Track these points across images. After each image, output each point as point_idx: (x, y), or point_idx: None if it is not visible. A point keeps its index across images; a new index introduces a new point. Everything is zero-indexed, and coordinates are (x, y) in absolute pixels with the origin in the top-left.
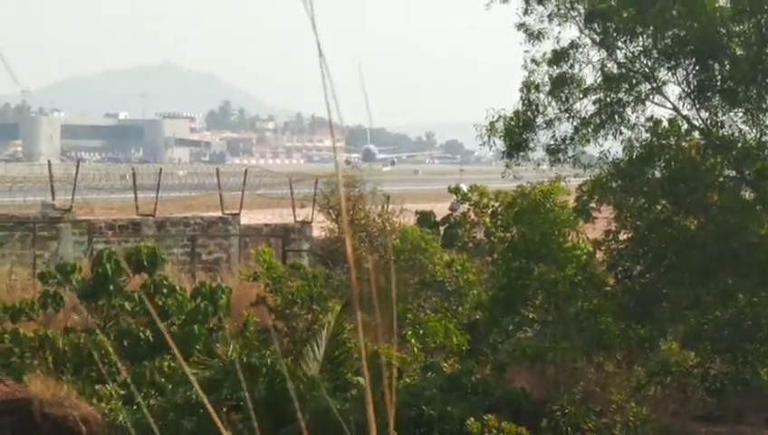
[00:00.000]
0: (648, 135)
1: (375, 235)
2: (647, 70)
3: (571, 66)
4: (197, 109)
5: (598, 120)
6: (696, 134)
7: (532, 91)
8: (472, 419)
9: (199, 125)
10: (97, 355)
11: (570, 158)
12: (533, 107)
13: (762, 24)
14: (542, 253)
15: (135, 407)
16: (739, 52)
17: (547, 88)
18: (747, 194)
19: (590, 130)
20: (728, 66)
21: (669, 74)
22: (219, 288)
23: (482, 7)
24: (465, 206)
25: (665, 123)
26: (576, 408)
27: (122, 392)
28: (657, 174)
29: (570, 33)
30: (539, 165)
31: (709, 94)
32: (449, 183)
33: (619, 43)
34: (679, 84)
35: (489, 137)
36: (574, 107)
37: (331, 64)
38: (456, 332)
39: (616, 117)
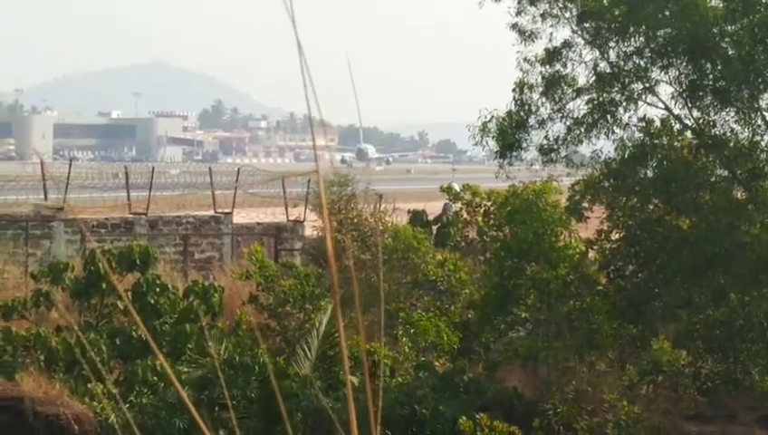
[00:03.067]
0: (640, 135)
1: (367, 234)
2: (639, 69)
3: (564, 65)
4: (190, 108)
5: (590, 120)
6: (689, 134)
7: (525, 91)
8: (464, 418)
9: (192, 124)
10: (89, 354)
11: (562, 158)
12: (526, 107)
13: (754, 24)
14: (534, 252)
15: (127, 406)
16: (731, 51)
17: (540, 88)
18: (739, 193)
19: (582, 129)
20: (720, 66)
21: (662, 74)
22: (212, 287)
23: (475, 8)
24: (458, 205)
25: (657, 123)
26: (568, 407)
27: (114, 391)
28: (650, 174)
29: (562, 33)
30: (531, 165)
31: (701, 94)
32: (442, 182)
33: (612, 43)
34: (671, 84)
35: (482, 137)
36: (567, 107)
37: (325, 64)
38: (447, 331)
39: (608, 117)
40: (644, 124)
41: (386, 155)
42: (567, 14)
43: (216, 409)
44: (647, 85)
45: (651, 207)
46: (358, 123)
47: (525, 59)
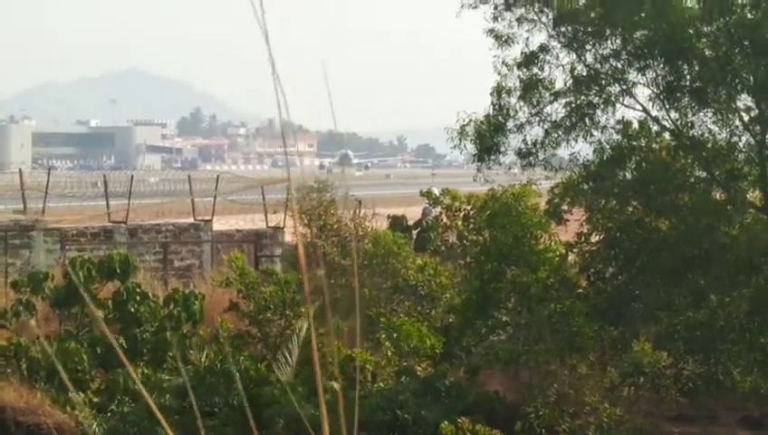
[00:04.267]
0: (618, 137)
1: (347, 240)
2: (616, 72)
3: (541, 69)
4: (169, 115)
5: (568, 123)
6: (667, 135)
7: (503, 95)
8: (446, 422)
9: (171, 132)
10: (70, 363)
11: (541, 161)
12: (504, 111)
13: (730, 25)
14: (514, 256)
15: (109, 414)
16: (708, 52)
17: (518, 92)
18: (718, 195)
19: (560, 132)
20: (697, 67)
21: (639, 76)
22: (192, 295)
23: (453, 13)
24: (438, 209)
25: (635, 125)
26: (550, 410)
27: (96, 400)
28: (628, 176)
29: (539, 37)
30: (510, 168)
31: (679, 95)
32: (421, 187)
33: (588, 46)
34: (649, 86)
35: (460, 140)
36: (545, 110)
37: (303, 70)
38: (429, 335)
39: (586, 119)
40: (622, 126)
41: (365, 160)
42: (543, 19)
43: (199, 416)
44: (624, 87)
45: (630, 210)
46: (337, 129)
47: (503, 62)
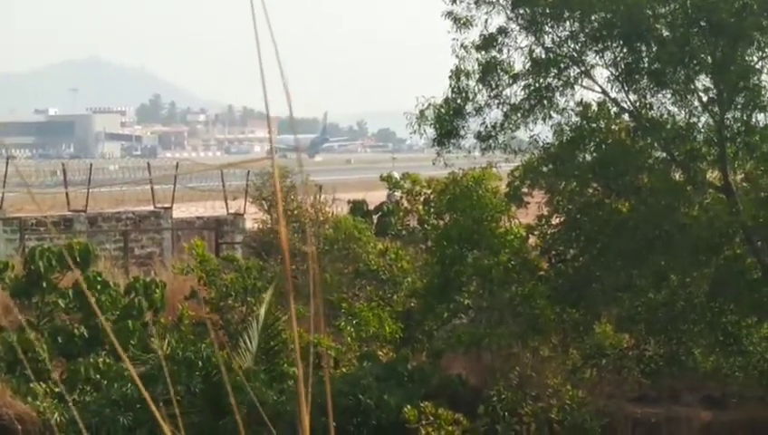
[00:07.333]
0: (577, 119)
1: (308, 225)
2: (575, 54)
3: (500, 51)
4: (128, 103)
5: (527, 106)
6: (626, 117)
7: (462, 78)
8: (409, 406)
9: (130, 119)
10: (30, 353)
11: (500, 144)
12: (463, 94)
13: (687, 6)
14: (475, 239)
15: (70, 404)
16: (666, 33)
17: (476, 75)
18: (677, 175)
19: (519, 115)
20: (655, 48)
21: (597, 58)
22: (153, 283)
23: None
24: (398, 194)
25: (594, 107)
26: (512, 393)
27: (57, 390)
28: (588, 157)
29: (497, 19)
30: (470, 152)
31: (637, 77)
32: (381, 171)
33: (547, 28)
34: (607, 67)
35: (419, 125)
36: (504, 93)
37: (261, 53)
38: (389, 320)
39: (545, 102)
40: (581, 108)
41: (326, 145)
42: (501, 1)
43: (161, 404)
44: (583, 69)
45: (590, 191)
46: (296, 114)
47: (462, 45)
